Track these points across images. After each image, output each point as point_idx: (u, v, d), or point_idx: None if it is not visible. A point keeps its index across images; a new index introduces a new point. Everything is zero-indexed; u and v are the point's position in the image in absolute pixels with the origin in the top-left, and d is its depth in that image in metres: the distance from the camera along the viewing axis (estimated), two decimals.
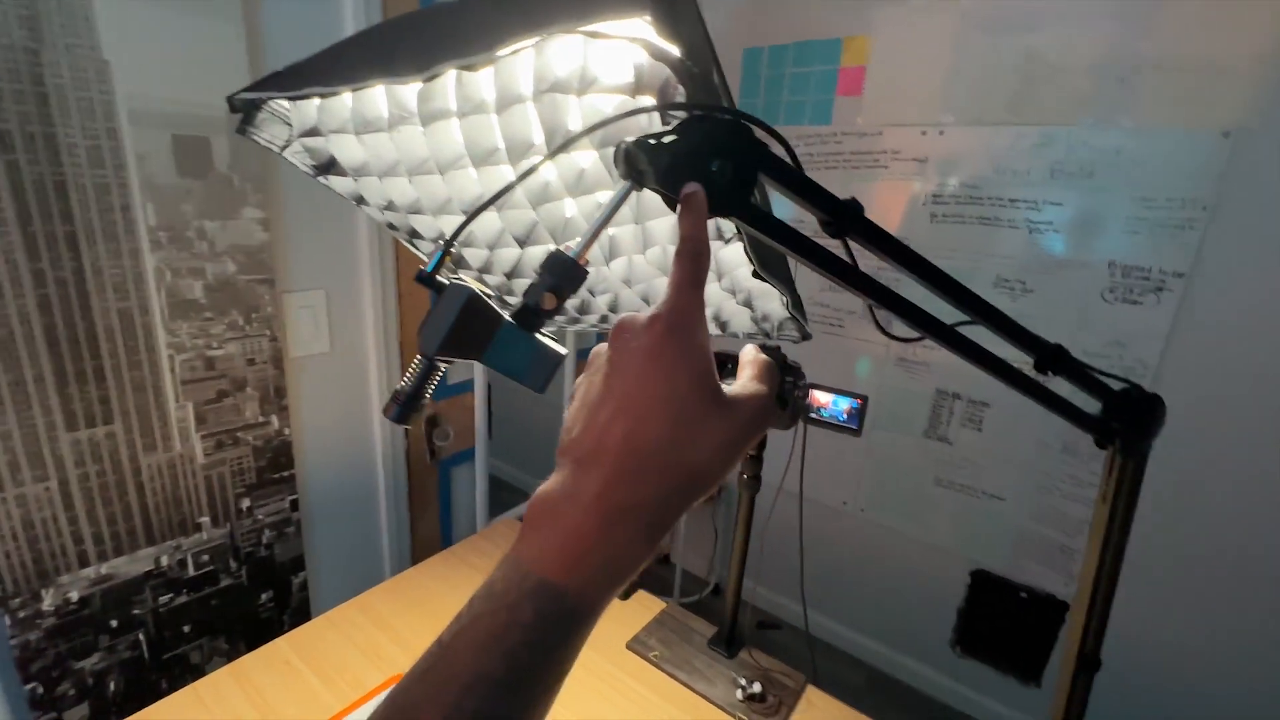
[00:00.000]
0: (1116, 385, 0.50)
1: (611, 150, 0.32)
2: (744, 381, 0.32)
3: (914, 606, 1.91)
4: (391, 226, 0.62)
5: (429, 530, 1.68)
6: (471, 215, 0.31)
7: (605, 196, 0.49)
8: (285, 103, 0.52)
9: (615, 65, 0.38)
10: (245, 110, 0.52)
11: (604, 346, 0.29)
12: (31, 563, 0.93)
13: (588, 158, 0.47)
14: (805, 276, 0.65)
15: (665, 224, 0.51)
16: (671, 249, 0.39)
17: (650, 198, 0.37)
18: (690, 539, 2.39)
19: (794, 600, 1.10)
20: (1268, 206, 1.26)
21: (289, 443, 1.20)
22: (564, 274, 0.29)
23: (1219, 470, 1.39)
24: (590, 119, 0.40)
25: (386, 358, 1.37)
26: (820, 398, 0.75)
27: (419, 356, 0.31)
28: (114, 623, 1.03)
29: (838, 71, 1.74)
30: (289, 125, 0.53)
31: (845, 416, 0.75)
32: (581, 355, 1.62)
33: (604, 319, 0.68)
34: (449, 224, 0.57)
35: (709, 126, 0.30)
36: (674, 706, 0.85)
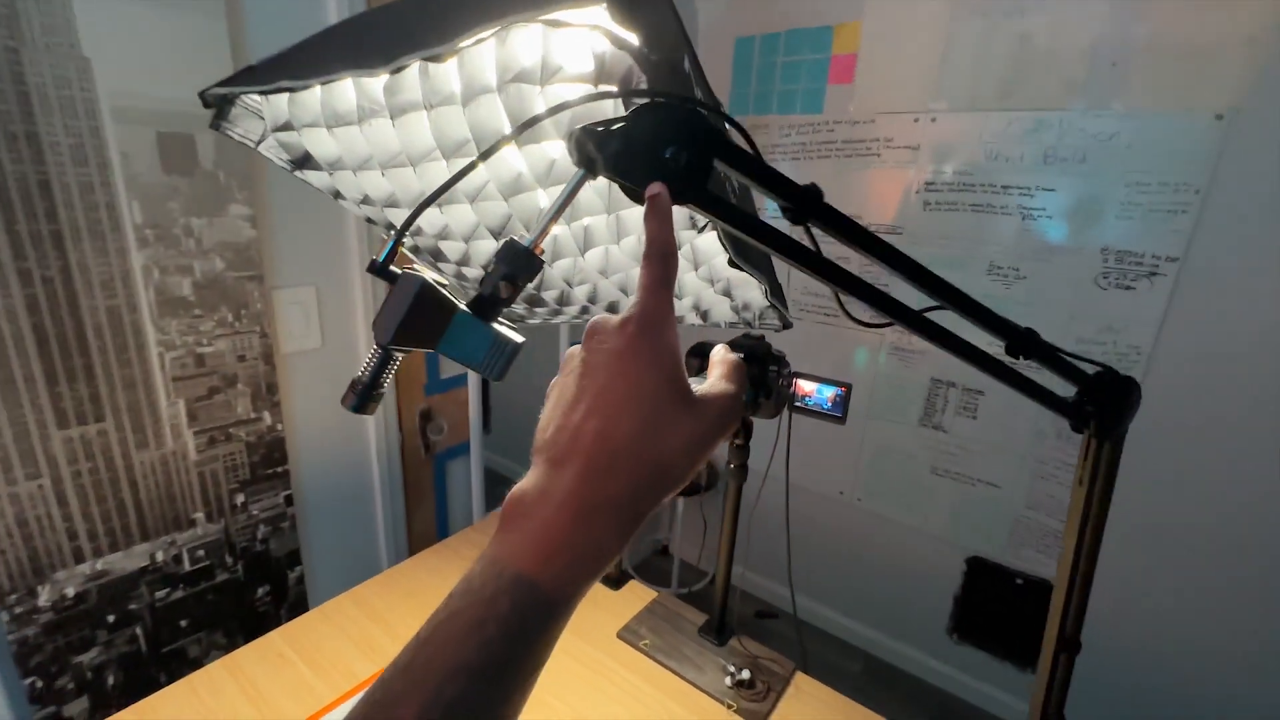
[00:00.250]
0: (1090, 369, 0.50)
1: None
2: (713, 381, 0.33)
3: (911, 594, 1.92)
4: (371, 220, 0.62)
5: (425, 524, 1.69)
6: (420, 207, 0.31)
7: None
8: (258, 97, 0.51)
9: (578, 54, 0.38)
10: (219, 105, 0.52)
11: (578, 348, 0.30)
12: (27, 559, 0.94)
13: (557, 148, 0.47)
14: None
15: (639, 212, 0.51)
16: None
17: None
18: (687, 531, 2.40)
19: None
20: (1260, 189, 1.26)
21: (282, 438, 1.21)
22: (518, 262, 0.29)
23: (1212, 453, 1.39)
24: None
25: None
26: (804, 386, 0.75)
27: (374, 346, 0.31)
28: (111, 618, 1.04)
29: (829, 59, 1.73)
30: (263, 120, 0.53)
31: (830, 404, 0.75)
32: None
33: (584, 310, 0.68)
34: (426, 217, 0.58)
35: (663, 113, 0.30)
36: (664, 694, 0.86)
